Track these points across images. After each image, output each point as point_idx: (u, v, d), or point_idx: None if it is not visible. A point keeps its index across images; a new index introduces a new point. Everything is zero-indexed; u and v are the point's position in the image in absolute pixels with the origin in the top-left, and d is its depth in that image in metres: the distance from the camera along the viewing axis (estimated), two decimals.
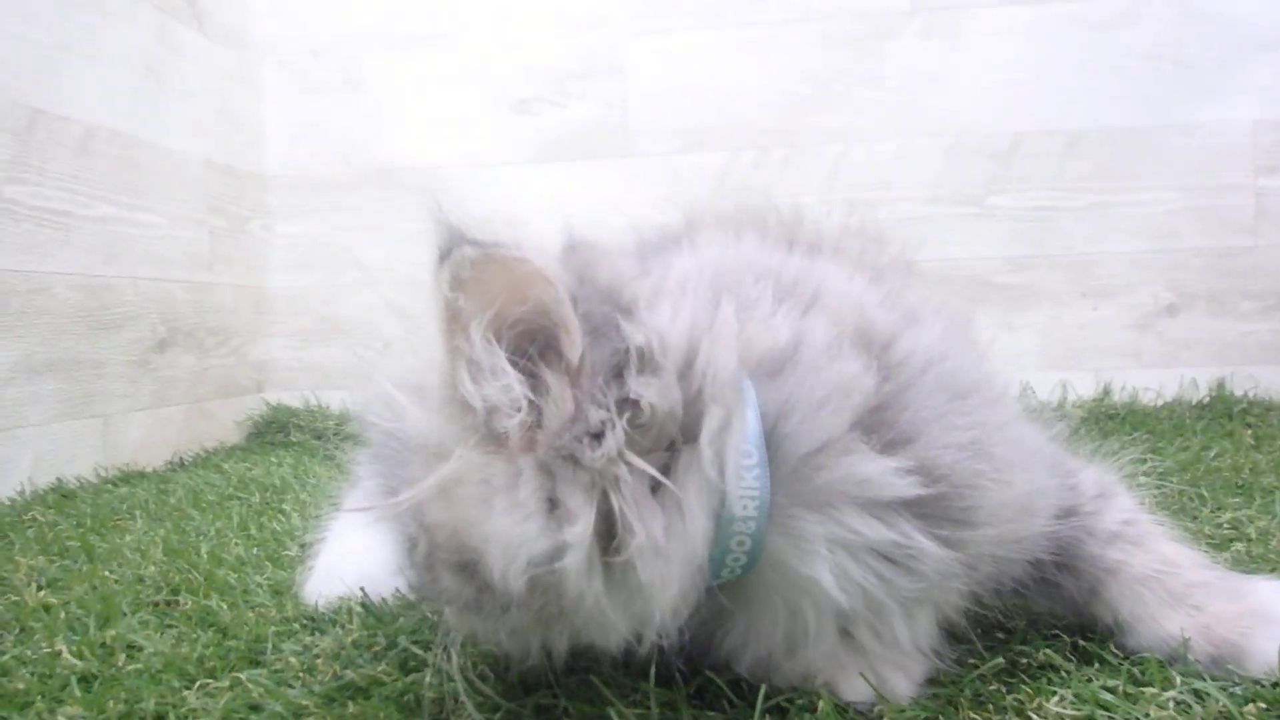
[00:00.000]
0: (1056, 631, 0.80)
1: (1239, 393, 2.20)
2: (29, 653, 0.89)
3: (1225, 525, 1.16)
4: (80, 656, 0.88)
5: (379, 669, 0.80)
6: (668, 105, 2.43)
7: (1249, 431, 1.84)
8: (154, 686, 0.80)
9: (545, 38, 2.48)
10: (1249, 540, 1.08)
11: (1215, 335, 2.28)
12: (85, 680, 0.84)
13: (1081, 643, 0.78)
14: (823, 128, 2.37)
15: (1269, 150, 2.23)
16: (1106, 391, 2.26)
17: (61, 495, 1.72)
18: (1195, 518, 1.22)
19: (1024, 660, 0.75)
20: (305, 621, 0.95)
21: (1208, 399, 2.17)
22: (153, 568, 1.17)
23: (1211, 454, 1.64)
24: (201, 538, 1.33)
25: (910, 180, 2.35)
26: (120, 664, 0.86)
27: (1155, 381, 2.25)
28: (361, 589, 0.94)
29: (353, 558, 1.00)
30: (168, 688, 0.80)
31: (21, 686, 0.81)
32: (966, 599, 0.74)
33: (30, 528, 1.44)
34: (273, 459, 2.01)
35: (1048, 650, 0.76)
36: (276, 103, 2.58)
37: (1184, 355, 2.29)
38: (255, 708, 0.75)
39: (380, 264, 2.56)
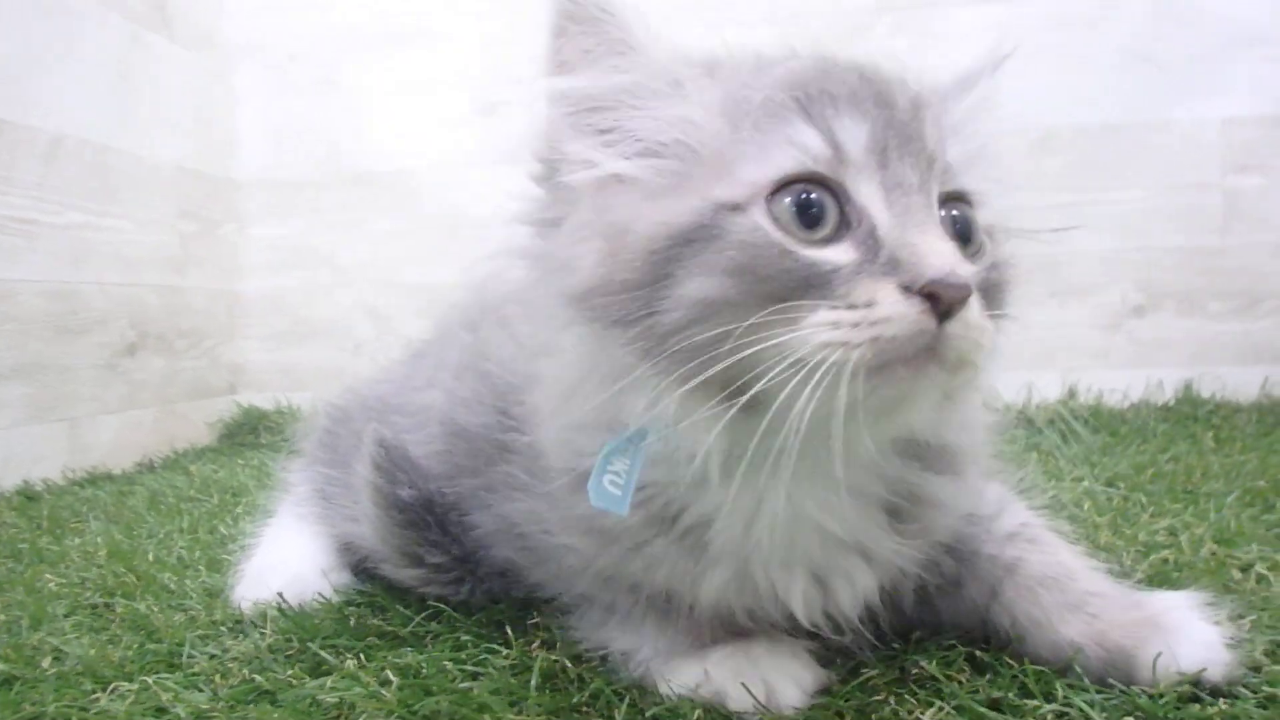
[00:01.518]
0: (953, 642, 0.80)
1: (1206, 394, 2.20)
2: None
3: (1161, 532, 1.16)
4: (5, 659, 0.89)
5: (288, 673, 0.81)
6: None
7: (1210, 434, 1.83)
8: (68, 689, 0.81)
9: (515, 40, 2.48)
10: (1179, 548, 1.08)
11: (1185, 336, 2.28)
12: (7, 682, 0.85)
13: (978, 654, 0.78)
14: None
15: (1240, 149, 2.24)
16: (1073, 393, 2.26)
17: (26, 497, 1.73)
18: (1134, 523, 1.22)
19: (915, 671, 0.76)
20: (230, 625, 0.96)
21: (1173, 401, 2.17)
22: (95, 570, 1.18)
23: (1166, 457, 1.64)
24: (151, 540, 1.35)
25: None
26: (45, 666, 0.87)
27: (1123, 383, 2.25)
28: (280, 594, 0.95)
29: (283, 561, 1.02)
30: (80, 690, 0.81)
31: None
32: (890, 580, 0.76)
33: None
34: (240, 461, 2.02)
35: (941, 661, 0.76)
36: (250, 106, 2.59)
37: (1153, 356, 2.29)
38: (161, 710, 0.76)
39: (354, 265, 2.57)
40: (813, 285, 0.57)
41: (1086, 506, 1.27)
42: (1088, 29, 2.27)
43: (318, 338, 2.58)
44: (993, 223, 0.69)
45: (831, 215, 0.59)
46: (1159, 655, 0.69)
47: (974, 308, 0.58)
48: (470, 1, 2.50)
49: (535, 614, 0.89)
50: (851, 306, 0.56)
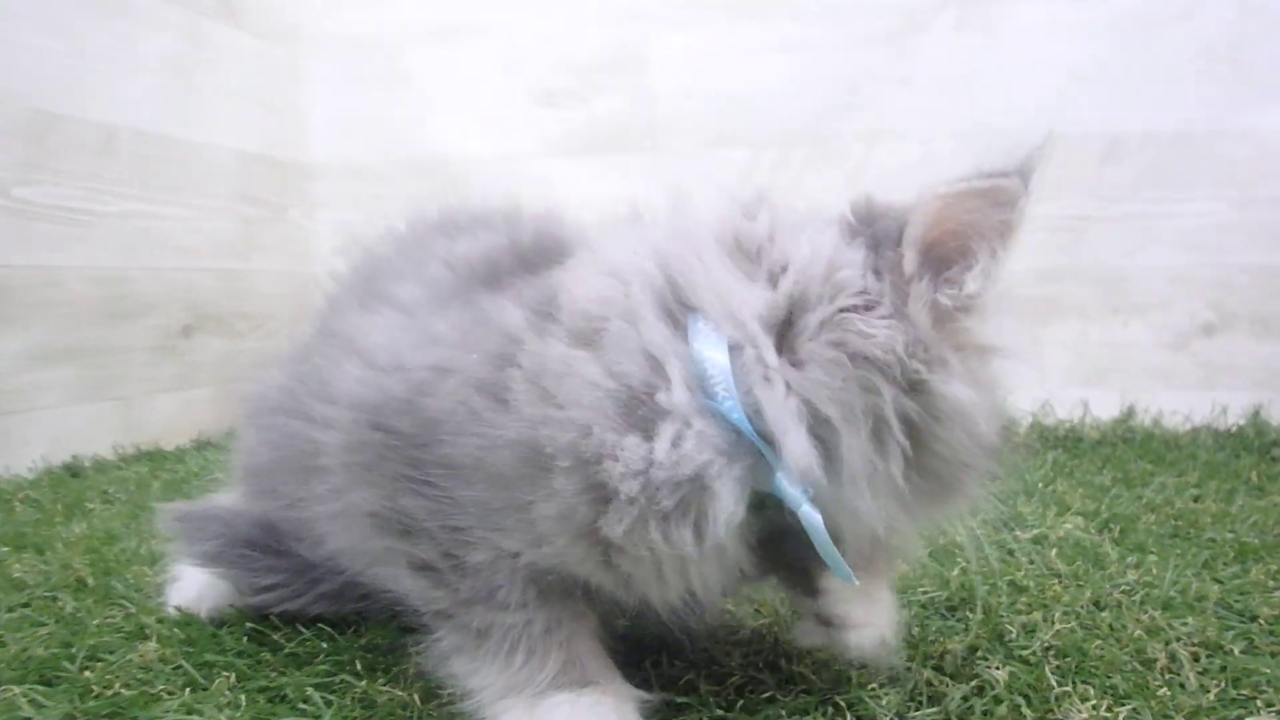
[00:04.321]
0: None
1: (1277, 421, 2.07)
2: None
3: (1115, 592, 1.09)
4: None
5: (159, 688, 0.84)
6: (693, 100, 2.41)
7: (1257, 471, 1.72)
8: None
9: (575, 30, 2.48)
10: (1117, 612, 1.02)
11: (1256, 359, 2.14)
12: None
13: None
14: (848, 127, 2.32)
15: None
16: (1130, 413, 2.15)
17: (71, 473, 1.84)
18: (1103, 568, 1.16)
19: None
20: (150, 629, 1.00)
21: (1235, 428, 2.05)
22: (61, 562, 1.24)
23: (1191, 494, 1.56)
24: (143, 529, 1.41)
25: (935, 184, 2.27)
26: None
27: (1186, 405, 2.13)
28: (177, 607, 0.99)
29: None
30: None
31: None
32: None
33: (10, 507, 1.55)
34: None
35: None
36: (319, 93, 2.66)
37: (1220, 379, 2.16)
38: None
39: None
40: None
41: (1054, 554, 1.21)
42: (1163, 28, 2.14)
43: None
44: None
45: None
46: None
47: None
48: None
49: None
50: None
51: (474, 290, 0.80)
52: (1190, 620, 0.98)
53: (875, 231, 0.70)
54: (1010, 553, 1.23)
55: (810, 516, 0.67)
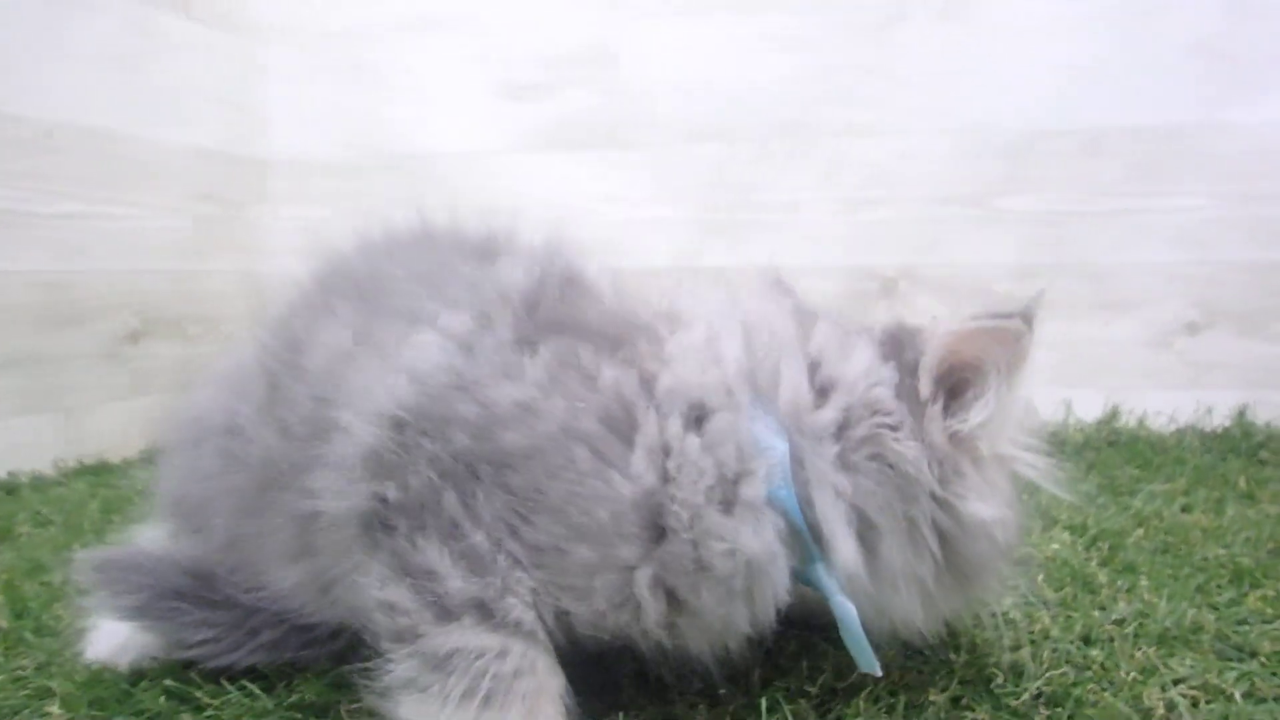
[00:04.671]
0: None
1: (1262, 421, 2.01)
2: None
3: (1107, 624, 1.02)
4: None
5: None
6: (666, 94, 2.33)
7: (1244, 477, 1.66)
8: None
9: (544, 22, 2.39)
10: (1110, 651, 0.95)
11: (1243, 358, 2.08)
12: None
13: None
14: (826, 120, 2.24)
15: None
16: (1115, 414, 2.09)
17: (5, 491, 1.74)
18: (1094, 593, 1.10)
19: None
20: (57, 688, 0.91)
21: (1221, 429, 1.99)
22: None
23: (1180, 505, 1.49)
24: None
25: (915, 179, 2.20)
26: None
27: (1171, 405, 2.07)
28: (92, 662, 0.91)
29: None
30: None
31: None
32: None
33: None
34: None
35: None
36: (281, 86, 2.56)
37: (1206, 378, 2.10)
38: None
39: None
40: None
41: (1041, 579, 1.14)
42: (1150, 21, 2.06)
43: None
44: None
45: None
46: None
47: None
48: None
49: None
50: None
51: (545, 331, 0.80)
52: (1188, 658, 0.92)
53: (903, 357, 0.79)
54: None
55: (844, 607, 0.76)
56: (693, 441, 0.74)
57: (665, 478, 0.73)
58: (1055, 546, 1.26)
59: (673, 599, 0.74)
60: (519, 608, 0.72)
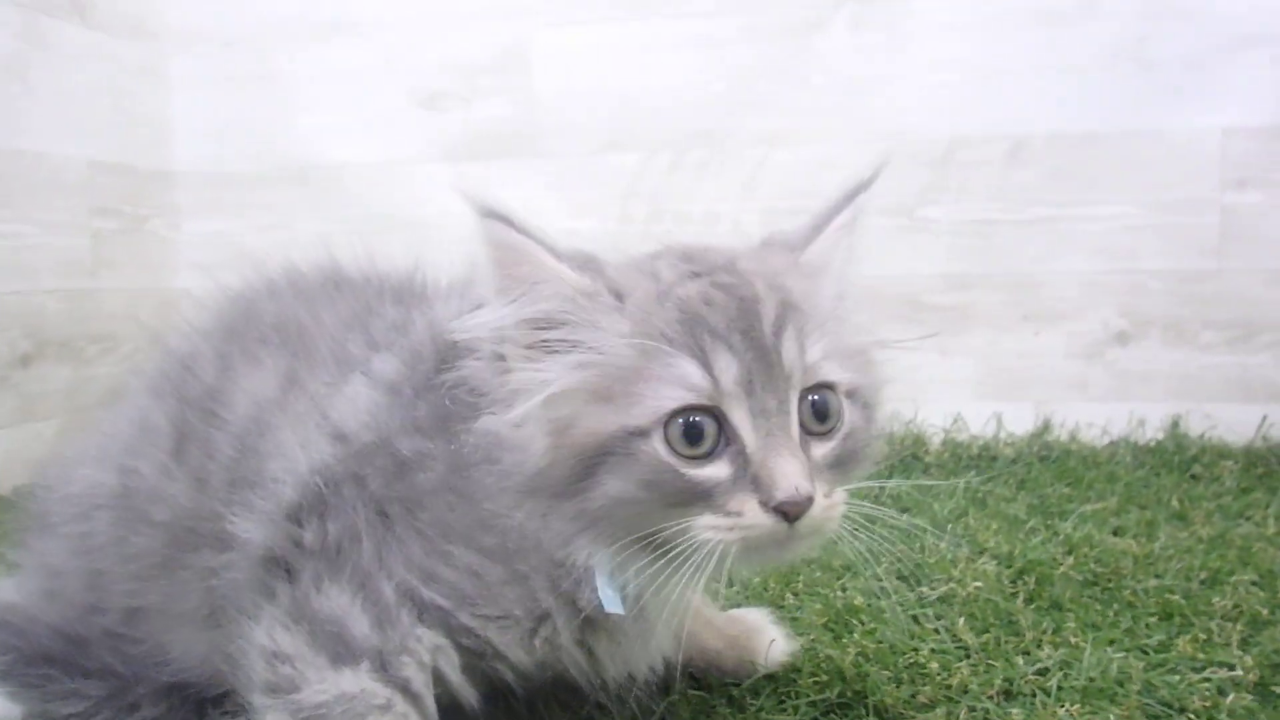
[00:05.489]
0: None
1: (1195, 432, 1.99)
2: None
3: (1028, 676, 0.97)
4: None
5: None
6: (582, 102, 2.25)
7: (1177, 497, 1.62)
8: None
9: (456, 28, 2.31)
10: (1031, 709, 0.90)
11: (1172, 368, 2.06)
12: None
13: None
14: (745, 129, 2.18)
15: (1240, 162, 2.00)
16: (1046, 427, 2.05)
17: None
18: (1017, 635, 1.04)
19: None
20: None
21: (1154, 442, 1.96)
22: None
23: (1111, 527, 1.45)
24: None
25: (836, 188, 2.14)
26: None
27: (1102, 417, 2.04)
28: None
29: None
30: None
31: None
32: None
33: None
34: None
35: None
36: (185, 96, 2.45)
37: (1136, 389, 2.07)
38: None
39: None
40: (699, 497, 0.71)
41: (962, 622, 1.08)
42: (1069, 25, 2.03)
43: None
44: (857, 384, 0.78)
45: (710, 434, 0.71)
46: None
47: (819, 505, 0.71)
48: None
49: None
50: (727, 514, 0.70)
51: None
52: (1112, 714, 0.86)
53: None
54: (915, 619, 1.11)
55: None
56: None
57: None
58: (978, 584, 1.20)
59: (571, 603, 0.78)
60: (412, 666, 0.74)
